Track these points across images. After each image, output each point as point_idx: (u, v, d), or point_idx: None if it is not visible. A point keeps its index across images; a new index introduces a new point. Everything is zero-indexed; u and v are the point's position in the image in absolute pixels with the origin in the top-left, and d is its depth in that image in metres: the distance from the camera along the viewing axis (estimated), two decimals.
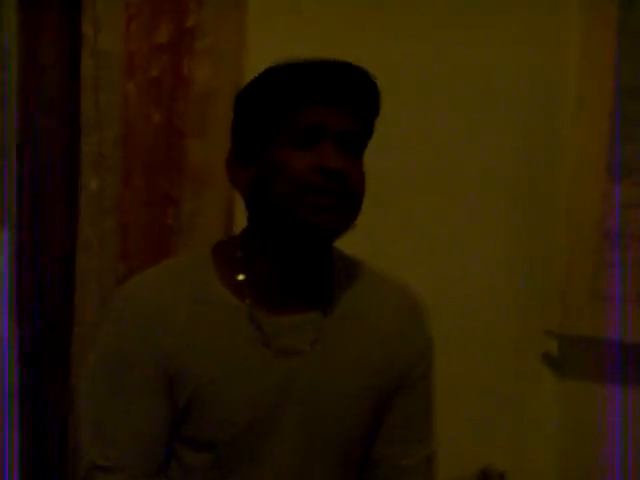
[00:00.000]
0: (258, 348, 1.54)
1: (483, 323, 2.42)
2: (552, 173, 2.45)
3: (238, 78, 2.06)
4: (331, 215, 1.47)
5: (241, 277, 1.55)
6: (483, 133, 2.37)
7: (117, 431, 1.53)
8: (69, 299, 2.12)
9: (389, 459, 1.66)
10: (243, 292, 1.55)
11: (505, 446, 2.45)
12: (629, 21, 2.31)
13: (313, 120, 1.47)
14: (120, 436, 1.53)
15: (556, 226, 2.47)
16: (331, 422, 1.58)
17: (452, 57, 2.31)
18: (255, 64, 1.57)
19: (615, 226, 2.34)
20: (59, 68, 2.09)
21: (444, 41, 2.30)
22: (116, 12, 2.03)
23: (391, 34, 2.27)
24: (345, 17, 2.21)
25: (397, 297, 1.67)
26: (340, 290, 1.60)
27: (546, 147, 2.45)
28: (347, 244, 1.59)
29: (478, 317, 2.41)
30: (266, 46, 1.93)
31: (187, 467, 1.58)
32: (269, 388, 1.55)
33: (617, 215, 2.34)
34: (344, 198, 1.47)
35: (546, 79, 2.40)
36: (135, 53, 2.08)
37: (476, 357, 2.41)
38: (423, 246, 2.34)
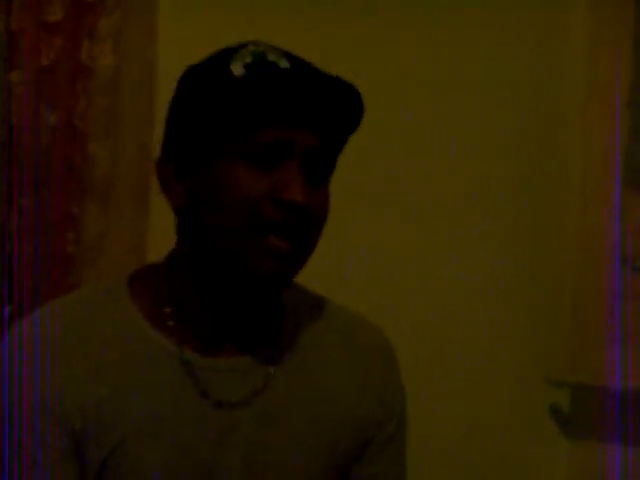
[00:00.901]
0: (190, 398, 1.40)
1: (481, 372, 2.36)
2: (558, 193, 2.40)
3: (151, 65, 1.98)
4: (285, 261, 1.34)
5: (167, 310, 1.42)
6: (483, 141, 2.35)
7: None
8: None
9: None
10: (170, 329, 1.41)
11: None
12: None
13: (277, 137, 1.34)
14: None
15: (564, 252, 2.40)
16: None
17: (453, 57, 2.30)
18: (170, 48, 1.58)
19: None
20: None
21: (444, 40, 2.29)
22: None
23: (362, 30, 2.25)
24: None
25: (362, 338, 1.52)
26: (292, 327, 1.48)
27: (550, 156, 2.43)
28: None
29: (475, 366, 2.34)
30: (182, 25, 1.92)
31: None
32: (202, 448, 1.42)
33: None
34: (301, 239, 1.35)
35: (551, 85, 2.37)
36: (19, 35, 1.99)
37: (473, 413, 2.34)
38: (413, 288, 2.31)
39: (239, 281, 1.36)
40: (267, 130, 1.32)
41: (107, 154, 2.03)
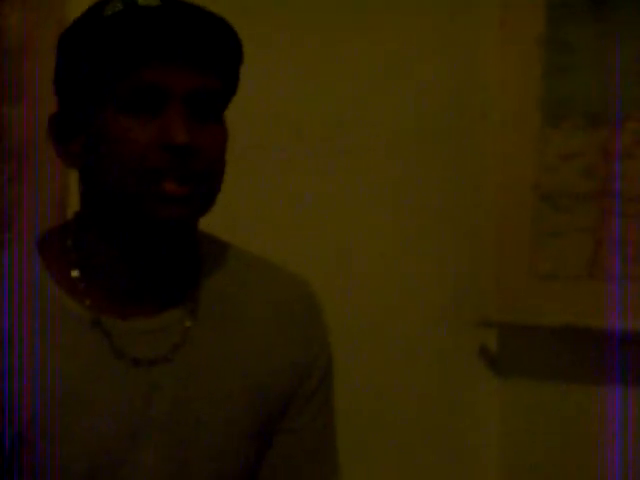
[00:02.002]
0: (106, 362, 1.41)
1: (406, 320, 2.38)
2: (473, 124, 2.41)
3: (61, 24, 1.87)
4: (180, 205, 1.35)
5: (75, 273, 1.41)
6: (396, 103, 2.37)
7: None
8: None
9: None
10: (81, 293, 1.41)
11: (438, 463, 2.40)
12: None
13: (152, 80, 1.34)
14: None
15: (483, 188, 2.43)
16: (202, 452, 1.45)
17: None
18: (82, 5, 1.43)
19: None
20: None
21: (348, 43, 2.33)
22: None
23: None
24: None
25: (284, 289, 1.54)
26: (209, 281, 1.48)
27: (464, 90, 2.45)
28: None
29: (399, 313, 2.37)
30: None
31: None
32: (123, 411, 1.41)
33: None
34: (197, 181, 1.35)
35: (465, 24, 2.40)
36: None
37: (401, 361, 2.37)
38: (331, 232, 2.31)
39: (141, 230, 1.36)
40: (141, 73, 1.32)
41: (17, 118, 1.98)
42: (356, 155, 2.34)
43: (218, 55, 1.35)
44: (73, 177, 1.83)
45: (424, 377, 2.38)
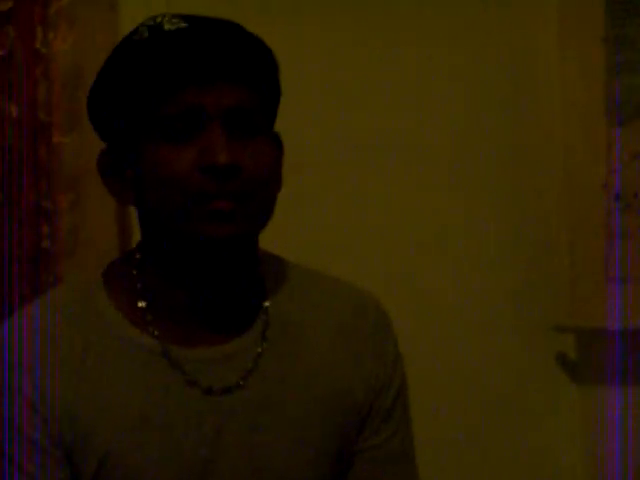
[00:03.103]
0: (178, 391, 1.41)
1: (481, 328, 2.35)
2: (540, 130, 2.37)
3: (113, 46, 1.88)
4: (229, 222, 1.35)
5: (142, 304, 1.42)
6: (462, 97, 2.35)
7: None
8: None
9: None
10: (148, 323, 1.41)
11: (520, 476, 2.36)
12: None
13: (189, 101, 1.34)
14: None
15: (553, 193, 2.39)
16: (277, 477, 1.45)
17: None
18: (134, 25, 1.42)
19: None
20: None
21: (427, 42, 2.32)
22: None
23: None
24: None
25: (353, 306, 1.52)
26: (276, 304, 1.47)
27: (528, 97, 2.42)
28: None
29: (474, 322, 2.34)
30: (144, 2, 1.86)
31: None
32: (198, 439, 1.42)
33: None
34: (243, 198, 1.35)
35: (527, 16, 2.36)
36: None
37: (477, 370, 2.33)
38: (403, 242, 2.28)
39: (196, 253, 1.36)
40: (177, 98, 1.32)
41: (75, 145, 2.01)
42: (423, 167, 2.33)
43: (250, 69, 1.35)
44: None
45: (501, 386, 2.35)
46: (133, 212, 1.87)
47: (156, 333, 1.38)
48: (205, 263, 1.38)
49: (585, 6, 2.34)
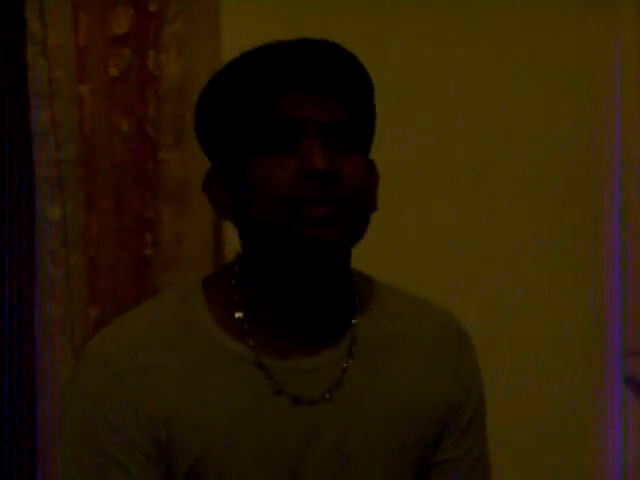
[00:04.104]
0: (268, 400, 1.43)
1: (553, 350, 2.34)
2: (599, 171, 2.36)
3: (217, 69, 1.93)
4: (329, 227, 1.36)
5: (239, 314, 1.44)
6: (522, 137, 2.33)
7: None
8: (30, 361, 2.07)
9: None
10: (244, 333, 1.44)
11: None
12: None
13: (289, 114, 1.37)
14: None
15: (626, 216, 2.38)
16: None
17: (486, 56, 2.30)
18: (235, 51, 1.46)
19: None
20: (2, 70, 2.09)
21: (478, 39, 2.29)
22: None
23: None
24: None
25: (435, 325, 1.55)
26: (363, 320, 1.50)
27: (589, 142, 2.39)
28: (369, 263, 1.57)
29: (546, 344, 2.33)
30: (246, 28, 1.96)
31: None
32: (284, 448, 1.44)
33: None
34: (341, 203, 1.36)
35: (590, 78, 2.34)
36: (88, 49, 2.01)
37: (548, 390, 2.31)
38: (471, 264, 2.29)
39: (297, 256, 1.37)
40: (280, 108, 1.35)
41: (179, 159, 2.05)
42: (495, 192, 2.33)
43: (348, 86, 1.38)
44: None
45: (572, 405, 2.33)
46: (227, 225, 2.00)
47: (251, 343, 1.41)
48: (304, 270, 1.39)
49: None
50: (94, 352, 1.45)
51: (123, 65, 2.01)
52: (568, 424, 2.34)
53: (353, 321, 1.46)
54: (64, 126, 1.97)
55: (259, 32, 1.57)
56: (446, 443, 1.50)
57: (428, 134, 2.24)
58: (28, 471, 2.10)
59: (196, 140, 1.55)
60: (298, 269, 1.39)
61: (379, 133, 1.49)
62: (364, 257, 1.52)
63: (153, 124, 2.03)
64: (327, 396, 1.41)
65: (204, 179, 1.45)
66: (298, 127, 1.34)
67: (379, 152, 1.49)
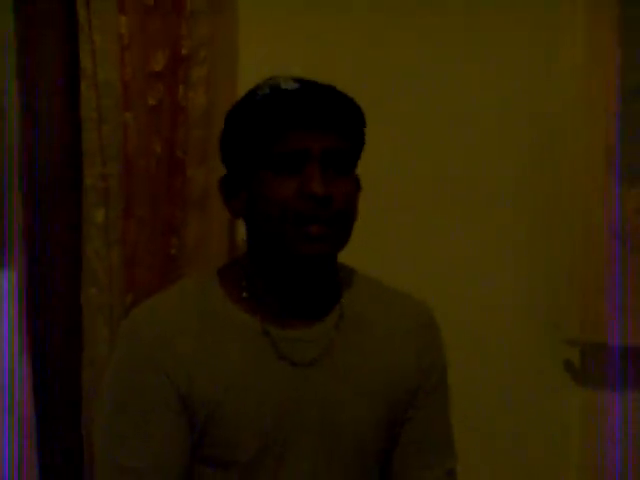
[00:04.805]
0: (271, 361, 1.55)
1: (501, 338, 2.42)
2: (559, 181, 2.40)
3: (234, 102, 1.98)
4: (320, 243, 1.48)
5: (245, 295, 1.57)
6: (488, 143, 2.37)
7: (133, 460, 1.52)
8: (78, 335, 2.12)
9: (408, 473, 1.66)
10: (252, 309, 1.55)
11: (527, 461, 2.44)
12: (631, 19, 2.26)
13: (295, 146, 1.47)
14: (140, 465, 1.52)
15: (572, 236, 2.44)
16: (346, 434, 1.58)
17: (453, 60, 2.32)
18: (249, 87, 1.60)
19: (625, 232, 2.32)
20: (59, 101, 2.12)
21: (447, 44, 2.32)
22: (111, 43, 2.04)
23: (391, 38, 2.28)
24: (339, 30, 2.24)
25: (404, 307, 1.68)
26: (347, 302, 1.62)
27: (550, 154, 2.40)
28: (353, 259, 1.64)
29: (497, 333, 2.41)
30: (258, 69, 1.91)
31: None
32: (284, 400, 1.55)
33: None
34: (332, 223, 1.48)
35: (548, 83, 2.36)
36: (130, 83, 2.08)
37: (495, 373, 2.41)
38: (434, 259, 2.33)
39: (290, 264, 1.51)
40: (287, 141, 1.46)
41: (201, 177, 2.11)
42: (465, 191, 2.35)
43: (344, 122, 1.50)
44: (240, 224, 1.87)
45: (515, 388, 2.40)
46: (239, 229, 2.09)
47: (259, 316, 1.55)
48: (297, 272, 1.54)
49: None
50: (128, 328, 1.58)
51: (158, 97, 2.08)
52: (516, 405, 2.41)
53: (339, 303, 1.61)
54: (110, 147, 2.06)
55: (273, 72, 1.64)
56: (416, 403, 1.65)
57: (412, 140, 2.28)
58: (74, 438, 2.12)
59: (216, 159, 1.66)
60: (293, 270, 1.54)
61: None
62: (355, 258, 1.66)
63: (182, 147, 2.10)
64: (317, 360, 1.56)
65: (219, 182, 1.57)
66: (303, 155, 1.47)
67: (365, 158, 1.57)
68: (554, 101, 2.31)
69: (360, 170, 1.59)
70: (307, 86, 1.50)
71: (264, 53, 2.14)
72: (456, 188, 2.31)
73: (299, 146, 1.47)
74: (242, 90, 1.65)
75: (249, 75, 1.93)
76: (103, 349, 2.08)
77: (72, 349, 2.12)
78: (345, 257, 1.64)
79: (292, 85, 1.49)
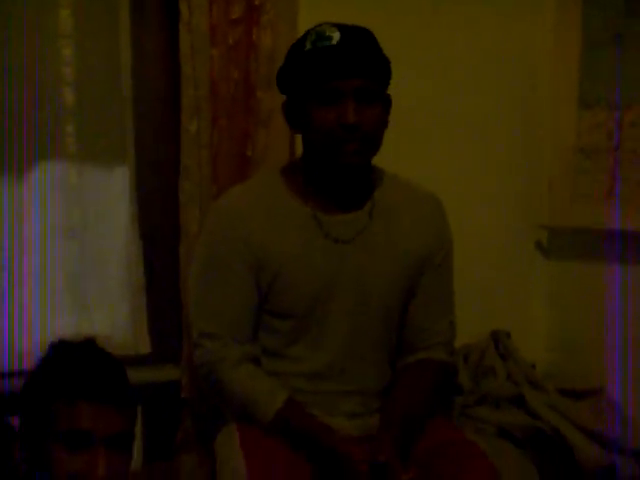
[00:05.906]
0: (320, 238, 1.82)
1: (485, 223, 2.64)
2: (537, 107, 2.66)
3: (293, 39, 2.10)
4: (354, 156, 1.75)
5: (302, 188, 1.84)
6: (484, 89, 2.60)
7: (218, 305, 1.79)
8: (176, 218, 2.42)
9: (419, 323, 1.93)
10: (306, 199, 1.84)
11: (508, 313, 2.69)
12: None
13: (335, 85, 1.72)
14: (220, 309, 1.79)
15: (543, 148, 2.71)
16: (374, 294, 1.85)
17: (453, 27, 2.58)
18: (308, 26, 1.84)
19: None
20: (163, 39, 2.44)
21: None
22: None
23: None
24: None
25: (423, 200, 1.94)
26: (379, 194, 1.88)
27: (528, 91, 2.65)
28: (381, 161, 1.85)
29: (482, 219, 2.64)
30: (314, 18, 1.99)
31: (273, 331, 1.85)
32: (329, 267, 1.82)
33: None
34: (362, 142, 1.74)
35: (524, 36, 2.62)
36: (216, 27, 2.36)
37: (484, 246, 2.62)
38: (444, 164, 2.55)
39: (333, 171, 1.79)
40: (328, 82, 1.70)
41: (268, 98, 2.38)
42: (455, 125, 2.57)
43: (373, 68, 1.74)
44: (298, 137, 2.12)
45: (499, 262, 2.66)
46: (297, 139, 2.32)
47: (310, 204, 1.82)
48: (338, 176, 1.81)
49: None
50: (214, 209, 1.87)
51: (236, 38, 2.36)
52: (495, 274, 2.67)
53: (372, 196, 1.86)
54: (200, 74, 2.34)
55: (330, 15, 1.77)
56: (427, 272, 1.90)
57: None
58: (171, 303, 2.39)
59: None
60: (336, 174, 1.80)
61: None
62: (383, 161, 1.89)
63: (254, 75, 2.38)
64: (354, 238, 1.82)
65: (282, 105, 1.85)
66: (341, 92, 1.72)
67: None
68: (535, 56, 2.62)
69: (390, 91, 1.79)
70: (345, 38, 1.69)
71: (320, 2, 2.33)
72: (462, 118, 2.58)
73: (337, 85, 1.71)
74: (301, 32, 1.81)
75: (307, 19, 2.15)
76: (194, 227, 2.36)
77: (172, 228, 2.41)
78: (376, 160, 1.88)
79: (336, 35, 1.69)
